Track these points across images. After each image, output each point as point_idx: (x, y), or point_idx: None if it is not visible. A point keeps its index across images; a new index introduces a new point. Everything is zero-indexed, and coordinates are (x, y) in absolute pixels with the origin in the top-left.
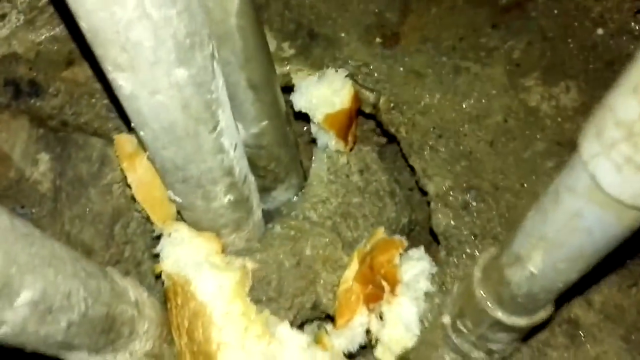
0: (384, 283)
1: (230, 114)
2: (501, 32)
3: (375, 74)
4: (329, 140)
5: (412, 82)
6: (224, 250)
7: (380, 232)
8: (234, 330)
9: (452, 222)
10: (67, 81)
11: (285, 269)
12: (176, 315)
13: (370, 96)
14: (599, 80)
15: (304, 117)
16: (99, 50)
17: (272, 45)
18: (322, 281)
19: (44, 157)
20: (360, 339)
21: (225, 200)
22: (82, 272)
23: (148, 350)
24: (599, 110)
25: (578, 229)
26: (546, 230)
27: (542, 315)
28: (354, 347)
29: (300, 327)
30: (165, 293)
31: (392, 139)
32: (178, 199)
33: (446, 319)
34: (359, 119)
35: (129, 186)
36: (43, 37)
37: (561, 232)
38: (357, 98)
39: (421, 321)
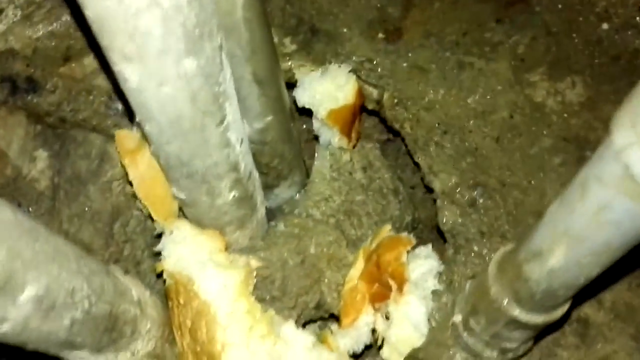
0: (391, 281)
1: (237, 108)
2: (505, 26)
3: (379, 70)
4: (332, 136)
5: (415, 77)
6: (227, 248)
7: (387, 230)
8: (239, 330)
9: (460, 220)
10: (65, 78)
11: (290, 268)
12: (178, 314)
13: (373, 92)
14: (605, 76)
15: (304, 115)
16: (105, 41)
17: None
18: (326, 280)
19: (42, 154)
20: (365, 338)
21: (230, 196)
22: (86, 269)
23: (150, 350)
24: (634, 98)
25: (606, 221)
26: (571, 224)
27: (559, 312)
28: (359, 347)
29: (303, 327)
30: (166, 292)
31: (394, 136)
32: (182, 196)
33: (457, 318)
34: (362, 118)
35: (129, 183)
36: (40, 33)
37: (587, 225)
38: (360, 94)
39: (429, 320)
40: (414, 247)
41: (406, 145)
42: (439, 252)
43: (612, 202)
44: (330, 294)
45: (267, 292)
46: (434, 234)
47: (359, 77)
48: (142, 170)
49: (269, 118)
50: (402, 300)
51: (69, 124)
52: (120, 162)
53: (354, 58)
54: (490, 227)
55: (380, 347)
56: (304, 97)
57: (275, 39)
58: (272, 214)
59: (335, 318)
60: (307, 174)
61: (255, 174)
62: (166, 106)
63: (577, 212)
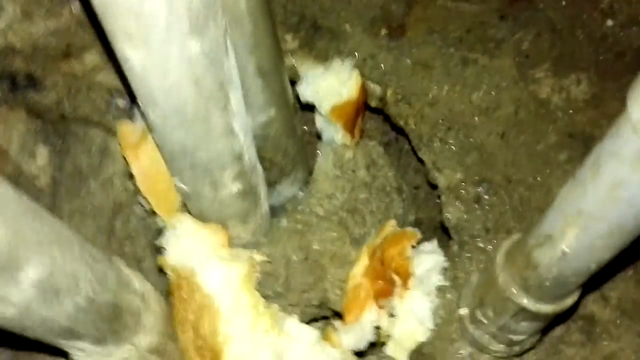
0: (395, 277)
1: (242, 98)
2: (509, 23)
3: (382, 66)
4: (335, 133)
5: (419, 74)
6: (230, 243)
7: (391, 225)
8: (242, 323)
9: (464, 216)
10: (65, 75)
11: (293, 264)
12: (180, 309)
13: (377, 89)
14: (610, 72)
15: (306, 111)
16: (109, 23)
17: None
18: (330, 277)
19: (43, 151)
20: (369, 336)
21: (234, 188)
22: (89, 256)
23: (152, 344)
24: None
25: (620, 199)
26: (583, 204)
27: (569, 301)
28: (362, 345)
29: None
30: (168, 288)
31: (397, 135)
32: (185, 188)
33: (464, 311)
34: (365, 115)
35: (131, 179)
36: (40, 29)
37: (600, 204)
38: (364, 90)
39: (434, 316)
40: (418, 242)
41: (410, 143)
42: (444, 250)
43: (626, 177)
44: (334, 291)
45: (271, 289)
46: (437, 234)
47: (362, 74)
48: (144, 163)
49: (272, 112)
50: (407, 295)
51: (70, 120)
52: (123, 156)
53: (357, 54)
54: (496, 224)
55: (384, 344)
56: (307, 92)
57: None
58: (274, 212)
59: (338, 316)
60: (310, 172)
61: (259, 168)
62: (170, 92)
63: (589, 192)
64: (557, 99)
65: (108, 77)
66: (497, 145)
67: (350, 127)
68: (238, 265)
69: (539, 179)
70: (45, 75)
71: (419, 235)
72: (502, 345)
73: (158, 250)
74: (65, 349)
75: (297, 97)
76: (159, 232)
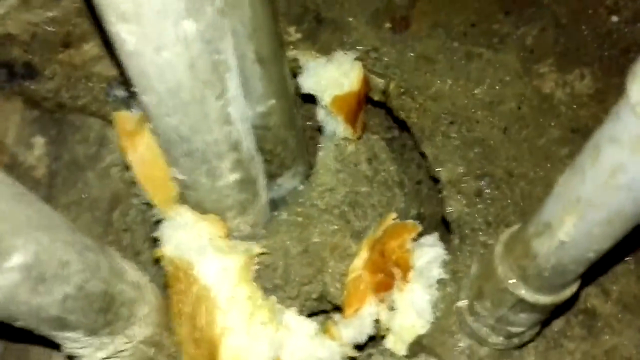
0: (396, 269)
1: (239, 84)
2: (513, 18)
3: (385, 59)
4: (336, 126)
5: (422, 67)
6: (228, 235)
7: (391, 217)
8: (239, 315)
9: (466, 210)
10: (64, 64)
11: (292, 256)
12: (178, 301)
13: (379, 82)
14: (614, 68)
15: (307, 103)
16: (103, 2)
17: None
18: (329, 270)
19: (39, 141)
20: (368, 329)
21: (231, 178)
22: (79, 243)
23: (147, 336)
24: None
25: (619, 185)
26: (582, 191)
27: (567, 292)
28: (362, 338)
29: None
30: (165, 280)
31: (399, 132)
32: (182, 177)
33: (463, 303)
34: (367, 110)
35: (128, 169)
36: (39, 18)
37: (599, 191)
38: (366, 82)
39: (433, 309)
40: (419, 235)
41: (412, 136)
42: (445, 243)
43: (626, 162)
44: (334, 284)
45: (269, 281)
46: (439, 230)
47: (365, 67)
48: (141, 152)
49: (272, 102)
50: (407, 288)
51: (67, 109)
52: (119, 145)
53: (360, 47)
54: (497, 218)
55: (383, 337)
56: (308, 82)
57: (280, 28)
58: (275, 205)
59: (338, 310)
60: (311, 165)
61: (258, 158)
62: (165, 73)
63: (588, 178)
64: (561, 93)
65: (107, 67)
66: (499, 139)
67: (351, 120)
68: (235, 257)
69: (541, 173)
70: (44, 64)
71: (419, 228)
72: (500, 338)
73: (156, 242)
74: (58, 341)
75: (298, 92)
76: (157, 223)
